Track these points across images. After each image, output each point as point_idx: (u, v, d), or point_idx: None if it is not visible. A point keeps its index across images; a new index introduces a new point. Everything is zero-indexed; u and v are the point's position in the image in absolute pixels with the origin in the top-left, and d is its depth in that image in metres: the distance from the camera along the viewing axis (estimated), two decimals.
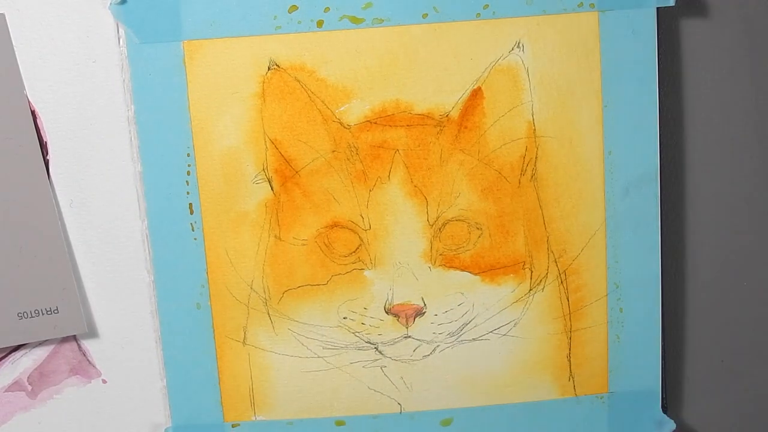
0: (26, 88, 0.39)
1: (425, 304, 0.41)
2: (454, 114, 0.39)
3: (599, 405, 0.42)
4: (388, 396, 0.42)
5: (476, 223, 0.40)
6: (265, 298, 0.41)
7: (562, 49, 0.39)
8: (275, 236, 0.40)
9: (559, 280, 0.41)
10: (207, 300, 0.41)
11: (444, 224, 0.40)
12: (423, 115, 0.39)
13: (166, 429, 0.42)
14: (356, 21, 0.38)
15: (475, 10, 0.38)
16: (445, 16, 0.38)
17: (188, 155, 0.39)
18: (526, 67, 0.39)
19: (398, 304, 0.41)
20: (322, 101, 0.39)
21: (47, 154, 0.39)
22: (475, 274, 0.41)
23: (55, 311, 0.40)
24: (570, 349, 0.42)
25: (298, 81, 0.39)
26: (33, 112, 0.39)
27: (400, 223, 0.40)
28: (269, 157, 0.39)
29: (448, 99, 0.39)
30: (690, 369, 0.44)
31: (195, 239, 0.40)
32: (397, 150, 0.39)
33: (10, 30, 0.38)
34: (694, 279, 0.43)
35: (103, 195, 0.40)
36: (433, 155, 0.39)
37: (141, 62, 0.38)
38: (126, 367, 0.42)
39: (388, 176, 0.39)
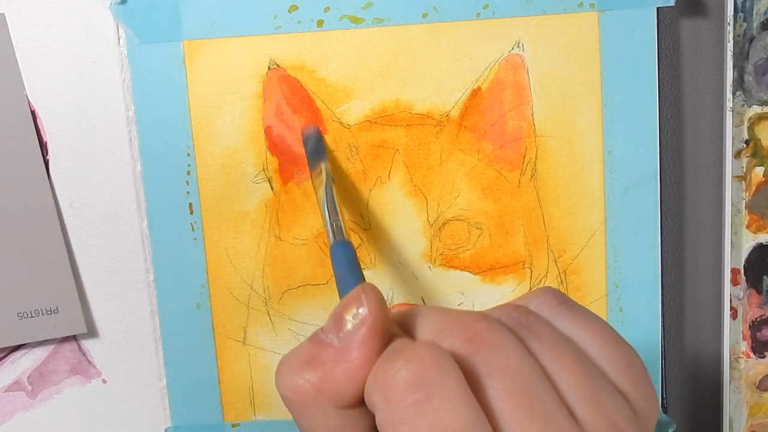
0: (26, 88, 0.39)
1: (425, 304, 0.41)
2: (454, 114, 0.39)
3: None
4: None
5: (476, 222, 0.40)
6: (265, 298, 0.41)
7: (562, 49, 0.39)
8: (275, 236, 0.40)
9: (559, 279, 0.41)
10: (207, 300, 0.41)
11: (444, 224, 0.40)
12: (423, 114, 0.39)
13: (166, 429, 0.42)
14: (356, 21, 0.38)
15: (475, 10, 0.38)
16: (445, 16, 0.38)
17: (188, 155, 0.39)
18: (526, 67, 0.39)
19: (398, 304, 0.41)
20: (322, 101, 0.39)
21: (47, 154, 0.39)
22: (475, 274, 0.41)
23: (55, 311, 0.40)
24: None
25: (298, 81, 0.39)
26: (33, 112, 0.39)
27: (399, 222, 0.40)
28: (269, 157, 0.39)
29: (448, 99, 0.39)
30: (690, 368, 0.44)
31: (195, 239, 0.40)
32: (397, 150, 0.39)
33: (10, 30, 0.38)
34: (694, 279, 0.43)
35: (103, 195, 0.40)
36: (433, 155, 0.39)
37: (141, 62, 0.38)
38: (126, 367, 0.42)
39: (388, 176, 0.39)
